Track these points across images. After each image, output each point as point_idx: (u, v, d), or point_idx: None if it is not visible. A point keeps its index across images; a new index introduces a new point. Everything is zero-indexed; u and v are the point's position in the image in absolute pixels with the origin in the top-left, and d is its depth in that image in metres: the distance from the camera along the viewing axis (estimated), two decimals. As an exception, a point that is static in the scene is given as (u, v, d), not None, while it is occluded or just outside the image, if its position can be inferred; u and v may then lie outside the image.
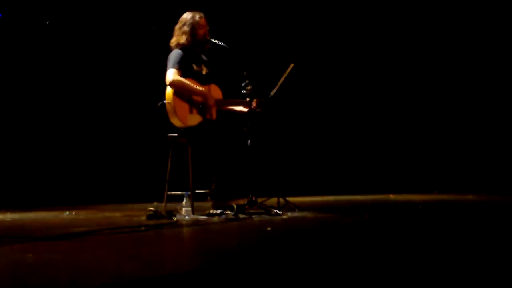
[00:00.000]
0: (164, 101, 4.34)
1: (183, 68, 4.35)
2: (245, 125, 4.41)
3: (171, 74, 4.28)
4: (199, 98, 4.37)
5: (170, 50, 4.48)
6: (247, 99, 4.38)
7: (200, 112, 4.36)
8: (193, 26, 4.44)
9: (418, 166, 7.55)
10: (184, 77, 4.33)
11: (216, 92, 4.55)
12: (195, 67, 4.47)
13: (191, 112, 4.35)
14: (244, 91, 4.41)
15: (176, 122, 4.31)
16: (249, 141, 4.32)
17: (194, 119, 4.35)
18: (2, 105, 6.83)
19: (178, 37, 4.45)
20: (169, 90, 4.31)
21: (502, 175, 7.06)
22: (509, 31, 7.28)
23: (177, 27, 4.51)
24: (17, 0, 6.74)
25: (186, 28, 4.44)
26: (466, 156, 7.43)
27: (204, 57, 4.61)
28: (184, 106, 4.32)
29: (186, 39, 4.42)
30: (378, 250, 2.43)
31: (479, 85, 7.46)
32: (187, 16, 4.50)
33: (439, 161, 7.52)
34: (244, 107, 4.52)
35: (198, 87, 4.36)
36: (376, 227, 3.32)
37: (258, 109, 4.42)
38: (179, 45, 4.44)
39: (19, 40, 6.86)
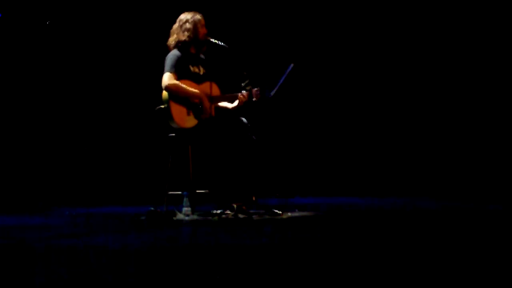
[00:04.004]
0: (161, 106, 4.33)
1: (179, 70, 4.31)
2: (245, 118, 4.40)
3: (167, 78, 4.25)
4: (196, 100, 4.34)
5: (168, 50, 4.43)
6: (247, 90, 4.35)
7: (196, 116, 4.34)
8: (195, 24, 4.40)
9: (420, 166, 7.51)
10: (180, 79, 4.30)
11: (214, 90, 4.51)
12: (192, 68, 4.45)
13: (188, 114, 4.33)
14: (244, 91, 4.40)
15: (174, 125, 4.30)
16: (253, 136, 4.32)
17: (192, 121, 4.33)
18: (1, 105, 6.82)
19: (179, 35, 4.39)
20: (164, 94, 4.29)
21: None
22: (504, 32, 7.27)
23: (176, 26, 4.44)
24: (17, 0, 6.73)
25: (188, 26, 4.38)
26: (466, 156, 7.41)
27: (202, 56, 4.58)
28: (180, 110, 4.29)
29: (188, 36, 4.36)
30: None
31: (476, 87, 7.43)
32: (186, 15, 4.45)
33: (442, 161, 7.48)
34: (242, 98, 4.43)
35: (193, 90, 4.32)
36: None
37: (255, 98, 4.38)
38: (179, 43, 4.38)
39: (19, 40, 6.85)
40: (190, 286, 1.89)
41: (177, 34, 4.41)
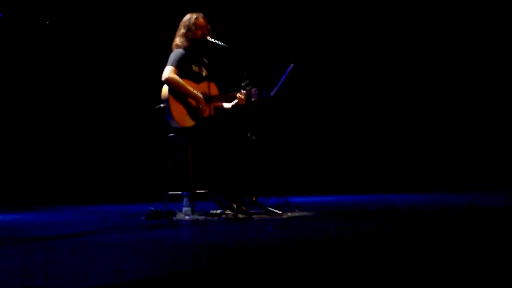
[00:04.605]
0: (160, 105, 4.33)
1: (182, 67, 4.33)
2: (244, 117, 4.41)
3: (168, 71, 4.27)
4: (193, 102, 4.35)
5: (171, 51, 4.47)
6: (247, 89, 4.37)
7: (193, 117, 4.34)
8: (189, 28, 4.43)
9: (419, 164, 7.54)
10: (182, 78, 4.31)
11: (213, 90, 4.52)
12: (194, 67, 4.46)
13: (188, 112, 4.33)
14: (244, 91, 4.41)
15: (174, 124, 4.30)
16: (253, 137, 4.32)
17: (192, 120, 4.34)
18: (2, 105, 6.84)
19: (176, 39, 4.46)
20: (165, 89, 4.29)
21: (503, 171, 7.07)
22: (506, 31, 7.27)
23: (178, 29, 4.52)
24: (17, 0, 6.74)
25: (182, 31, 4.45)
26: (466, 154, 7.42)
27: (205, 60, 4.60)
28: (180, 108, 4.30)
29: (181, 42, 4.42)
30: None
31: (478, 84, 7.45)
32: (185, 18, 4.50)
33: (439, 159, 7.51)
34: (240, 99, 4.46)
35: (193, 90, 4.32)
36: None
37: (253, 99, 4.39)
38: (177, 47, 4.43)
39: (19, 40, 6.86)
40: (191, 286, 1.89)
41: (176, 37, 4.46)
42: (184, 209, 4.37)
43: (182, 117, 4.30)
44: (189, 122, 4.33)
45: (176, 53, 4.37)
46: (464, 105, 7.49)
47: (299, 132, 7.77)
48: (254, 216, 4.06)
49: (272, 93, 4.48)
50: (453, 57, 7.51)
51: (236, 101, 4.46)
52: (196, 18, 4.45)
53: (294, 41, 7.62)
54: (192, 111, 4.34)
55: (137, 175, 7.18)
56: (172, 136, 4.42)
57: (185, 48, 4.41)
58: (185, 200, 4.40)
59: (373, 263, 2.17)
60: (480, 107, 7.44)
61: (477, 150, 7.37)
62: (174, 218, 4.15)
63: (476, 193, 6.13)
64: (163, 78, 4.26)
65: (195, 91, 4.33)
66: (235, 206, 4.13)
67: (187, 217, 4.16)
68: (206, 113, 4.41)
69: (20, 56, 6.91)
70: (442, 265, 2.09)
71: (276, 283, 1.91)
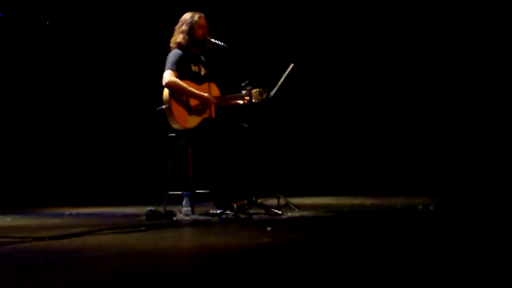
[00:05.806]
0: (162, 107, 4.33)
1: (180, 68, 4.33)
2: (244, 120, 4.42)
3: (167, 76, 4.27)
4: (197, 101, 4.36)
5: (170, 50, 4.47)
6: (247, 89, 4.37)
7: (199, 113, 4.35)
8: (192, 25, 4.44)
9: (418, 165, 7.53)
10: (181, 78, 4.31)
11: (214, 90, 4.53)
12: (193, 67, 4.46)
13: (189, 114, 4.33)
14: (244, 91, 4.41)
15: (175, 125, 4.30)
16: (249, 136, 4.32)
17: (193, 121, 4.34)
18: (2, 105, 6.83)
19: (177, 37, 4.47)
20: (166, 91, 4.29)
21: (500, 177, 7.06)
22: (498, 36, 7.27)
23: (176, 27, 4.52)
24: (17, 0, 6.74)
25: (184, 28, 4.45)
26: (464, 157, 7.41)
27: (202, 58, 4.61)
28: (182, 109, 4.30)
29: (184, 38, 4.42)
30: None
31: (477, 86, 7.44)
32: (186, 16, 4.51)
33: (438, 161, 7.50)
34: (243, 99, 4.49)
35: (195, 91, 4.33)
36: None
37: (255, 100, 4.39)
38: (177, 45, 4.44)
39: (19, 40, 6.86)
40: (190, 286, 1.89)
41: (176, 35, 4.47)
42: (184, 209, 4.37)
43: (183, 119, 4.30)
44: (190, 123, 4.33)
45: (173, 54, 4.37)
46: (463, 109, 7.47)
47: (299, 132, 7.76)
48: (254, 216, 4.06)
49: (272, 93, 4.48)
50: (453, 60, 7.50)
51: (248, 98, 4.45)
52: (199, 18, 4.47)
53: (294, 41, 7.61)
54: (194, 109, 4.34)
55: (137, 175, 7.18)
56: (172, 136, 4.42)
57: (183, 48, 4.40)
58: (185, 200, 4.40)
59: (376, 261, 2.17)
60: (479, 111, 7.43)
61: (475, 153, 7.35)
62: (174, 218, 4.14)
63: (475, 195, 6.12)
64: (163, 83, 4.27)
65: (197, 91, 4.34)
66: (235, 206, 4.13)
67: (187, 217, 4.16)
68: (209, 112, 4.42)
69: (20, 56, 6.90)
70: (443, 261, 2.09)
71: (276, 283, 1.91)
